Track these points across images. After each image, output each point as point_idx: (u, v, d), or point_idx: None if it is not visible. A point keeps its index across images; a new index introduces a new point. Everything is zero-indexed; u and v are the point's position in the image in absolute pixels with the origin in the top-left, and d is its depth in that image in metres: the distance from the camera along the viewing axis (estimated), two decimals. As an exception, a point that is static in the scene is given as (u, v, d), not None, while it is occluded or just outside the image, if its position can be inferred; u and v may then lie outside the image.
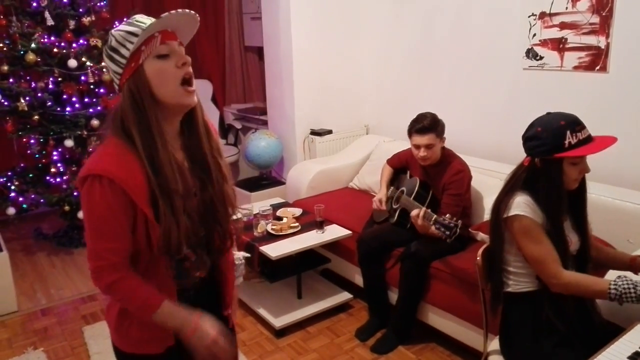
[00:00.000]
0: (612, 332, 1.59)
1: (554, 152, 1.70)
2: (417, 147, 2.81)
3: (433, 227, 2.43)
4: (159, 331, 1.34)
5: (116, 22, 4.12)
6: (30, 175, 4.11)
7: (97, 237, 1.23)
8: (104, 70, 3.96)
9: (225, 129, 5.87)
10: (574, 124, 1.70)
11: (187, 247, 1.31)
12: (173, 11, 1.21)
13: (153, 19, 1.24)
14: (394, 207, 2.96)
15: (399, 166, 3.17)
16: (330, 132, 4.31)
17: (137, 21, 1.24)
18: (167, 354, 1.37)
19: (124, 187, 1.19)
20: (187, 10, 1.24)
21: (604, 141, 1.71)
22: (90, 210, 1.22)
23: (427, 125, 2.75)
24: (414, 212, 2.59)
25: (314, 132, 4.28)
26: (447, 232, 2.34)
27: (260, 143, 4.28)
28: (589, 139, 1.72)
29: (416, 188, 2.87)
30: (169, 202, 1.24)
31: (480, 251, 1.99)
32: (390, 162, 3.25)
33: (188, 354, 1.42)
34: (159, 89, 1.23)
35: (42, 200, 3.96)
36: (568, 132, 1.68)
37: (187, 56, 1.26)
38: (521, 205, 1.75)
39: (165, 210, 1.23)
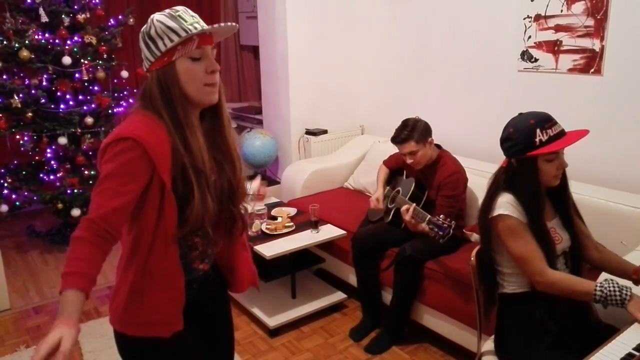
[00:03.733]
0: (607, 333, 1.60)
1: (526, 151, 1.73)
2: (403, 155, 2.86)
3: (426, 227, 2.44)
4: (168, 315, 1.36)
5: (111, 20, 4.12)
6: (24, 172, 4.08)
7: (101, 193, 1.21)
8: (98, 67, 3.94)
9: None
10: (544, 121, 1.73)
11: (209, 226, 1.36)
12: (217, 25, 1.29)
13: (195, 18, 1.29)
14: (390, 206, 2.97)
15: (396, 167, 3.18)
16: (325, 132, 4.30)
17: (179, 16, 1.28)
18: (173, 338, 1.37)
19: (148, 150, 1.22)
20: (231, 24, 1.32)
21: (576, 134, 1.73)
22: (105, 165, 1.23)
23: (403, 136, 2.79)
24: (403, 208, 2.60)
25: (309, 132, 4.28)
26: (440, 233, 2.34)
27: (255, 142, 4.27)
28: (561, 134, 1.74)
29: (412, 188, 2.87)
30: (199, 179, 1.29)
31: (474, 252, 1.99)
32: (386, 162, 3.25)
33: (194, 339, 1.45)
34: (186, 86, 1.29)
35: (35, 198, 3.94)
36: (538, 130, 1.72)
37: (217, 64, 1.32)
38: (504, 204, 1.76)
39: (196, 186, 1.28)
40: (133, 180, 1.23)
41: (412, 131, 2.79)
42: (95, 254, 1.18)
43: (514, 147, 1.75)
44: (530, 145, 1.72)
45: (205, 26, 1.29)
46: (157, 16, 1.29)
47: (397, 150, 3.22)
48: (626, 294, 1.59)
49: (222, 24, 1.30)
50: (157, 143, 1.24)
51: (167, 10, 1.30)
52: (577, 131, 1.75)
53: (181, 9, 1.31)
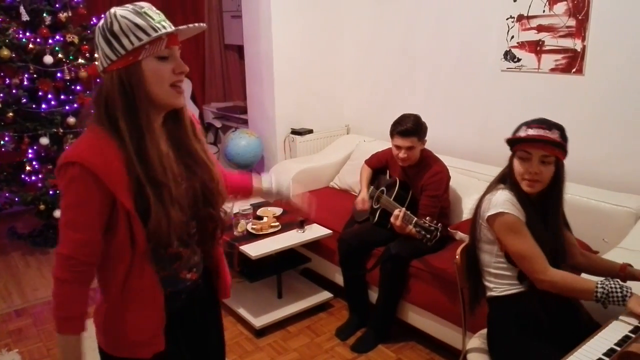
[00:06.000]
0: (593, 329, 1.61)
1: (507, 142, 1.80)
2: (398, 148, 2.83)
3: (413, 230, 2.44)
4: (148, 335, 1.32)
5: (93, 19, 4.08)
6: (5, 173, 4.02)
7: (66, 225, 1.20)
8: (80, 67, 3.89)
9: (205, 128, 5.83)
10: (534, 122, 1.76)
11: (177, 239, 1.30)
12: (187, 26, 1.24)
13: (161, 16, 1.24)
14: (375, 207, 2.97)
15: (378, 166, 3.19)
16: (311, 131, 4.30)
17: (145, 13, 1.21)
18: (156, 358, 1.33)
19: (98, 173, 1.16)
20: (200, 25, 1.26)
21: (544, 137, 1.72)
22: (63, 198, 1.20)
23: (409, 128, 2.76)
24: (395, 213, 2.59)
25: (294, 132, 4.28)
26: (428, 236, 2.34)
27: (240, 142, 4.26)
28: (539, 137, 1.72)
29: (396, 188, 2.88)
30: (158, 192, 1.22)
31: (459, 250, 2.00)
32: (368, 162, 3.25)
33: (180, 354, 1.42)
34: (152, 87, 1.22)
35: (16, 199, 3.88)
36: (523, 127, 1.77)
37: (185, 65, 1.27)
38: (505, 203, 1.77)
39: (154, 200, 1.21)
40: (92, 208, 1.19)
41: (417, 127, 2.78)
42: (81, 292, 1.24)
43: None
44: (511, 137, 1.78)
45: (173, 27, 1.24)
46: (119, 11, 1.20)
47: (382, 148, 3.25)
48: (627, 291, 1.60)
49: (192, 25, 1.25)
50: (105, 163, 1.17)
51: (130, 6, 1.22)
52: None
53: (146, 5, 1.24)
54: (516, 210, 1.76)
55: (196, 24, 1.26)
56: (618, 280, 1.64)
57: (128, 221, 1.21)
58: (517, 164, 1.78)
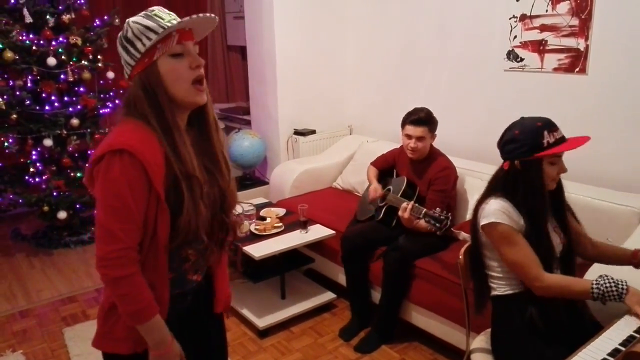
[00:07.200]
0: (597, 330, 1.61)
1: (534, 152, 1.73)
2: (409, 137, 2.86)
3: (423, 221, 2.45)
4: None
5: (97, 20, 4.09)
6: (9, 174, 4.04)
7: (113, 217, 1.18)
8: (84, 68, 3.90)
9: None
10: (550, 124, 1.75)
11: (203, 233, 1.31)
12: (196, 15, 1.24)
13: (172, 16, 1.27)
14: (380, 204, 2.98)
15: (384, 167, 3.19)
16: (313, 132, 4.31)
17: (155, 15, 1.25)
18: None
19: (144, 163, 1.18)
20: (209, 15, 1.28)
21: (579, 140, 1.75)
22: (107, 188, 1.19)
23: (422, 117, 2.83)
24: (403, 205, 2.61)
25: (297, 132, 4.28)
26: (438, 225, 2.35)
27: (243, 143, 4.26)
28: (563, 139, 1.76)
29: (403, 186, 2.89)
30: (190, 187, 1.25)
31: (462, 250, 2.00)
32: (374, 163, 3.26)
33: (187, 353, 1.41)
34: (172, 87, 1.25)
35: (20, 201, 3.89)
36: (545, 132, 1.73)
37: (201, 59, 1.28)
38: (496, 212, 1.76)
39: (187, 195, 1.24)
40: (141, 197, 1.20)
41: (429, 118, 2.85)
42: (142, 278, 1.24)
43: (520, 148, 1.75)
44: (538, 146, 1.72)
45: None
46: (132, 18, 1.25)
47: (385, 148, 3.25)
48: (622, 288, 1.60)
49: (200, 15, 1.25)
50: (151, 154, 1.19)
51: (142, 12, 1.27)
52: (577, 137, 1.77)
53: (156, 8, 1.27)
54: (509, 218, 1.75)
55: (206, 15, 1.27)
56: (612, 277, 1.64)
57: (156, 212, 1.23)
58: (549, 169, 1.76)
